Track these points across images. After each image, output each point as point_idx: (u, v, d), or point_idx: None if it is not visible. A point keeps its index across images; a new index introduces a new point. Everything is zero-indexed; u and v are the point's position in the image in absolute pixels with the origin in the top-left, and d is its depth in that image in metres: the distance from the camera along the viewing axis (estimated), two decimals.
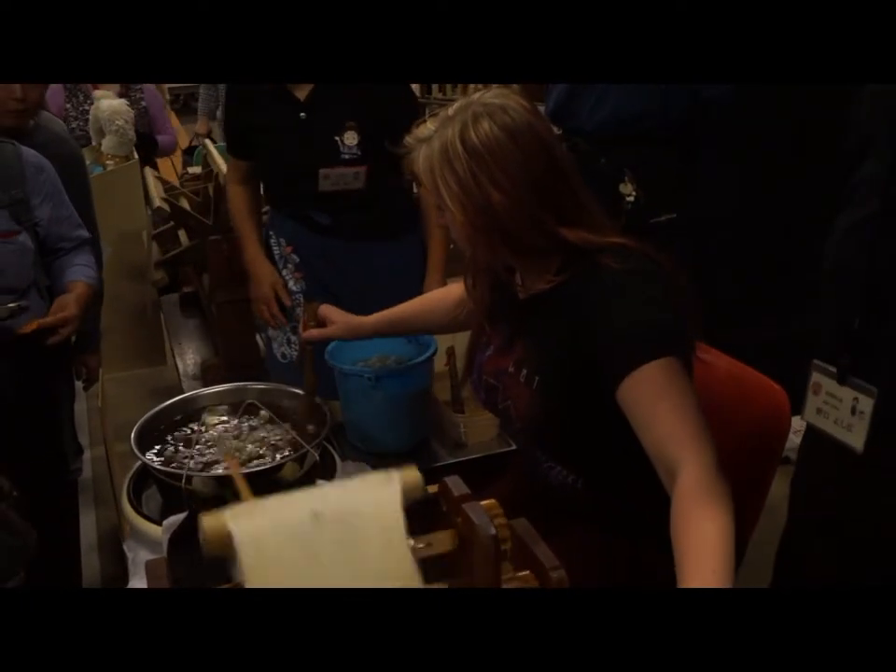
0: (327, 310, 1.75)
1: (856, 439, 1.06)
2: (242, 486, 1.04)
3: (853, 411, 1.05)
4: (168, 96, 4.88)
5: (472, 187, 1.31)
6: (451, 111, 1.36)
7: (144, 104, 3.97)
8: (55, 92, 3.83)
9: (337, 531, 0.80)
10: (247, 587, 0.79)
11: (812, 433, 1.21)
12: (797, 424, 2.71)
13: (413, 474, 0.86)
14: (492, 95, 1.36)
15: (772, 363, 1.67)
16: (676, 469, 1.19)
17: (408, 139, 1.39)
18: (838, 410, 1.08)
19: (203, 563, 0.94)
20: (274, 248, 2.35)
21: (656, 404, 1.23)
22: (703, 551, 1.10)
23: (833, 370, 1.11)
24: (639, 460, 1.44)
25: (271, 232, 2.36)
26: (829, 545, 1.16)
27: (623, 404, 1.27)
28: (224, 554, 0.82)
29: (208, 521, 0.81)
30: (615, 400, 1.30)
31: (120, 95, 3.89)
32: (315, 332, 1.74)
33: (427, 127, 1.37)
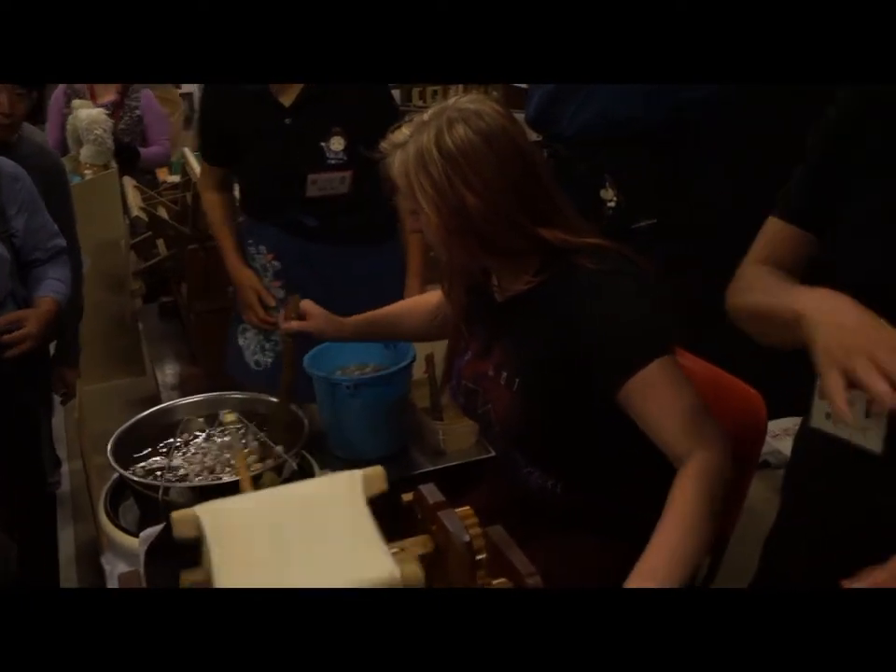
0: (308, 305, 1.76)
1: (873, 441, 1.03)
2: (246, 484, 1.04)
3: (867, 413, 1.00)
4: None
5: (447, 190, 1.32)
6: (426, 116, 1.37)
7: (139, 112, 3.92)
8: (56, 97, 3.80)
9: (301, 509, 0.81)
10: (213, 560, 0.80)
11: (806, 438, 1.20)
12: (775, 427, 2.73)
13: (374, 470, 0.87)
14: (467, 100, 1.36)
15: (748, 367, 1.67)
16: (687, 457, 1.27)
17: (383, 144, 1.40)
18: (850, 413, 1.06)
19: (180, 572, 0.94)
20: (254, 256, 2.34)
21: (663, 402, 1.30)
22: (681, 522, 1.21)
23: None
24: (617, 462, 1.45)
25: (249, 241, 2.34)
26: (816, 547, 1.16)
27: (628, 405, 1.32)
28: (192, 536, 0.82)
29: (178, 519, 0.82)
30: (604, 401, 1.32)
31: (117, 104, 3.85)
32: (295, 324, 1.73)
33: (403, 132, 1.38)
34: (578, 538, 1.47)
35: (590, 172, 2.28)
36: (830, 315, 0.96)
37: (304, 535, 0.82)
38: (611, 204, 2.30)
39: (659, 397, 1.30)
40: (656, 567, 1.19)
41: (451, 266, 1.52)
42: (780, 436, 2.69)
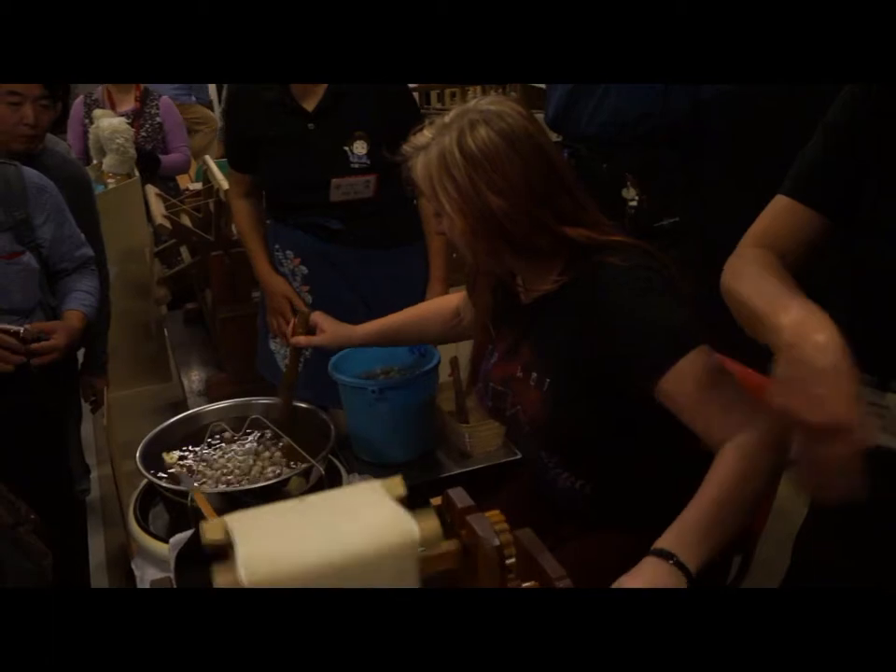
0: (318, 318, 1.76)
1: None
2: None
3: None
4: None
5: (471, 192, 1.32)
6: (447, 118, 1.37)
7: (159, 119, 3.93)
8: (76, 108, 3.84)
9: (324, 505, 0.82)
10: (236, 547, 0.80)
11: None
12: None
13: (394, 479, 0.88)
14: (488, 102, 1.37)
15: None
16: (732, 440, 1.23)
17: (405, 147, 1.40)
18: (885, 418, 1.02)
19: (210, 579, 0.95)
20: (282, 261, 2.36)
21: (702, 390, 1.28)
22: (714, 499, 1.18)
23: (871, 377, 1.05)
24: (646, 463, 1.44)
25: (276, 246, 2.36)
26: (847, 547, 1.15)
27: (667, 397, 1.30)
28: (220, 540, 0.83)
29: (208, 528, 0.83)
30: (639, 397, 1.31)
31: (136, 112, 3.87)
32: (302, 339, 1.75)
33: (424, 135, 1.38)
34: (607, 539, 1.47)
35: (611, 171, 2.28)
36: (802, 350, 0.92)
37: (327, 511, 0.84)
38: (633, 203, 2.29)
39: (697, 386, 1.28)
40: (686, 530, 1.18)
41: (476, 268, 1.52)
42: None
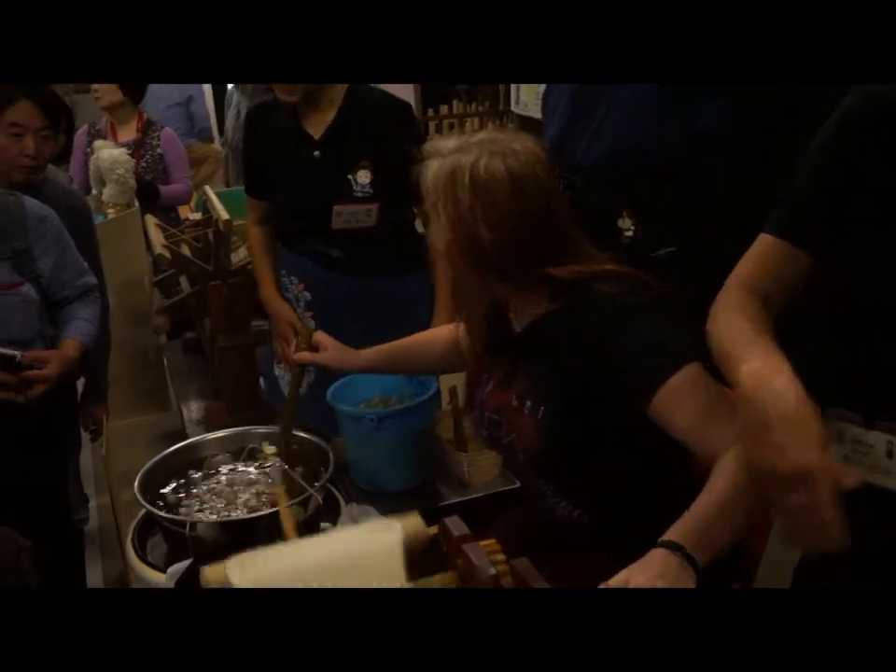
0: (321, 336, 1.77)
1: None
2: (287, 522, 1.05)
3: (889, 454, 0.98)
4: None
5: (467, 218, 1.35)
6: (475, 139, 1.40)
7: (160, 150, 3.96)
8: (78, 137, 3.86)
9: (338, 582, 0.81)
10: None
11: None
12: None
13: (414, 522, 0.86)
14: (510, 138, 1.39)
15: None
16: (725, 451, 1.23)
17: (426, 147, 1.42)
18: (868, 456, 1.02)
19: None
20: (287, 287, 2.38)
21: (695, 406, 1.29)
22: (717, 497, 1.18)
23: (857, 415, 1.05)
24: (643, 492, 1.45)
25: (283, 271, 2.39)
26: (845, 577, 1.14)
27: (659, 414, 1.31)
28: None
29: (209, 572, 0.82)
30: (630, 421, 1.32)
31: (138, 142, 3.89)
32: (306, 355, 1.75)
33: (449, 143, 1.40)
34: (604, 568, 1.46)
35: (606, 202, 2.30)
36: (761, 398, 0.92)
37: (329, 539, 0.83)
38: (629, 233, 2.31)
39: (691, 401, 1.30)
40: (693, 526, 1.18)
41: (468, 294, 1.53)
42: None
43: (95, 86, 3.83)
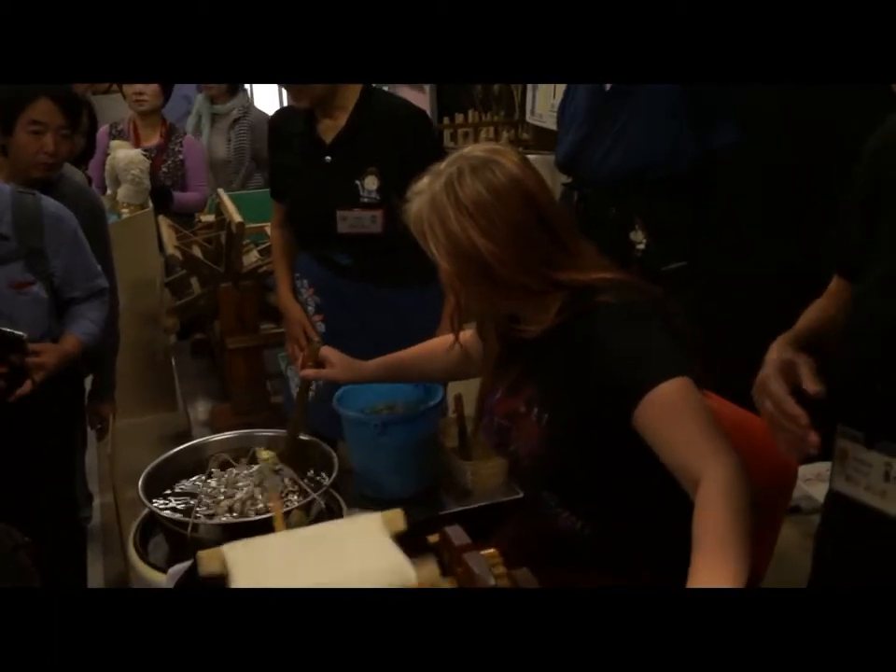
0: (327, 351, 1.78)
1: (891, 505, 1.00)
2: (279, 524, 1.06)
3: (886, 476, 0.98)
4: None
5: (459, 235, 1.35)
6: (442, 165, 1.40)
7: (181, 157, 3.95)
8: (100, 138, 3.87)
9: (322, 544, 0.82)
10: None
11: (835, 497, 1.17)
12: (807, 472, 2.70)
13: (393, 511, 0.88)
14: (482, 149, 1.40)
15: None
16: (700, 479, 1.21)
17: (408, 193, 1.42)
18: (868, 476, 1.02)
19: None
20: (300, 290, 2.40)
21: (675, 421, 1.27)
22: (718, 538, 1.14)
23: (860, 434, 1.06)
24: (646, 506, 1.44)
25: (297, 274, 2.42)
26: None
27: (642, 426, 1.29)
28: (217, 572, 0.83)
29: (205, 556, 0.83)
30: (627, 432, 1.31)
31: (161, 147, 3.90)
32: (311, 372, 1.76)
33: (423, 181, 1.41)
34: (607, 581, 1.46)
35: (619, 215, 2.30)
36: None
37: (324, 545, 0.84)
38: (641, 247, 2.31)
39: (672, 417, 1.27)
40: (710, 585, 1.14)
41: (484, 313, 1.54)
42: (812, 481, 2.64)
43: (139, 87, 3.81)
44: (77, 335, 2.16)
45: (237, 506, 1.66)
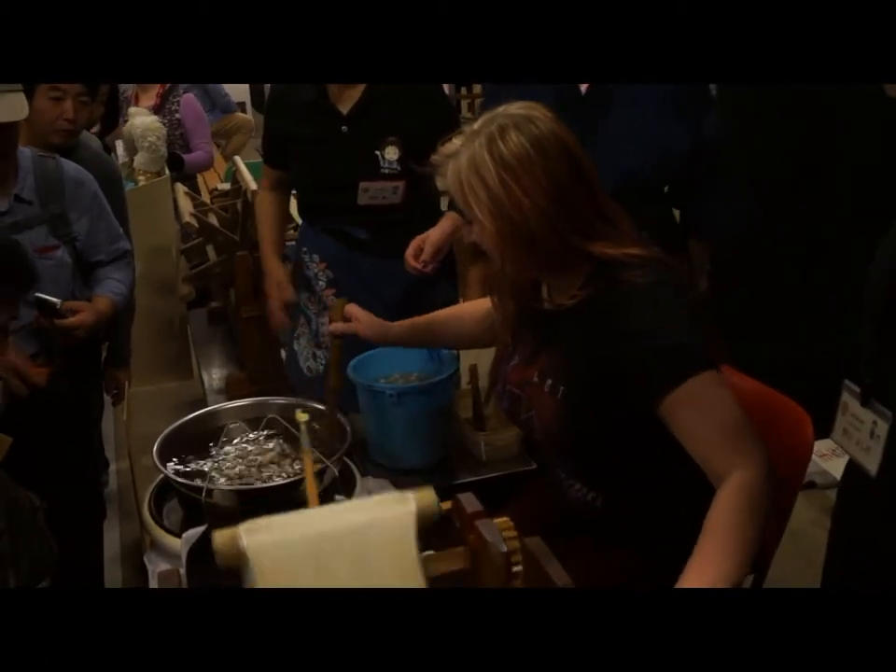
0: (353, 308, 1.77)
1: (872, 462, 1.05)
2: (311, 487, 1.05)
3: (871, 434, 1.03)
4: None
5: (501, 194, 1.33)
6: (476, 125, 1.38)
7: (178, 116, 3.94)
8: None
9: (349, 548, 0.81)
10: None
11: (850, 468, 1.19)
12: (822, 447, 2.69)
13: (428, 496, 0.86)
14: (517, 107, 1.37)
15: (796, 386, 1.65)
16: (725, 477, 1.25)
17: (434, 157, 1.41)
18: (860, 431, 1.07)
19: (221, 575, 0.95)
20: (308, 264, 2.37)
21: (705, 416, 1.29)
22: (720, 541, 1.20)
23: (857, 391, 1.10)
24: (657, 479, 1.44)
25: (304, 248, 2.38)
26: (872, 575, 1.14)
27: (668, 416, 1.31)
28: (237, 565, 0.83)
29: (219, 537, 0.82)
30: (646, 415, 1.32)
31: (157, 108, 3.90)
32: (340, 326, 1.76)
33: (454, 143, 1.39)
34: (618, 552, 1.46)
35: None
36: None
37: (348, 557, 0.82)
38: None
39: (700, 412, 1.29)
40: (696, 584, 1.18)
41: (501, 276, 1.52)
42: (827, 456, 2.64)
43: None
44: (107, 294, 2.18)
45: (253, 471, 1.67)
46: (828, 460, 2.64)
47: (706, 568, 1.19)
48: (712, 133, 2.14)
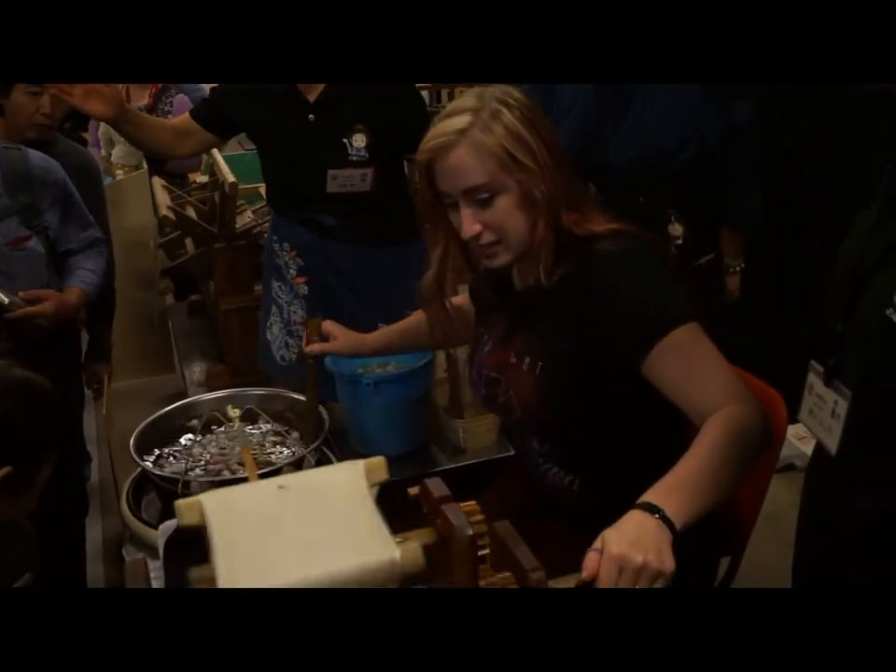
0: (330, 326, 1.77)
1: (832, 441, 1.06)
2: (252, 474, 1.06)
3: (832, 413, 1.04)
4: None
5: (546, 156, 1.34)
6: (470, 102, 1.36)
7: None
8: None
9: (302, 498, 0.82)
10: (215, 552, 0.81)
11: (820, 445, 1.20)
12: (801, 430, 2.70)
13: (376, 459, 0.88)
14: (496, 90, 1.37)
15: (772, 369, 1.66)
16: (721, 410, 1.24)
17: (441, 137, 1.35)
18: (822, 411, 1.08)
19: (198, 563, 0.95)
20: (278, 252, 2.37)
21: (693, 362, 1.29)
22: (703, 457, 1.19)
23: (821, 370, 1.11)
24: (636, 462, 1.44)
25: (274, 237, 2.38)
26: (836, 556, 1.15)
27: (652, 372, 1.31)
28: (196, 524, 0.84)
29: (183, 505, 0.84)
30: (630, 381, 1.33)
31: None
32: (317, 346, 1.75)
33: (459, 120, 1.35)
34: (596, 535, 1.47)
35: (649, 206, 2.10)
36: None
37: (306, 521, 0.83)
38: (679, 241, 2.15)
39: (689, 358, 1.29)
40: (673, 487, 1.17)
41: (451, 261, 1.53)
42: (806, 439, 2.66)
43: None
44: (77, 285, 2.17)
45: (229, 462, 1.67)
46: (807, 443, 2.65)
47: (680, 479, 1.18)
48: (745, 118, 2.14)
